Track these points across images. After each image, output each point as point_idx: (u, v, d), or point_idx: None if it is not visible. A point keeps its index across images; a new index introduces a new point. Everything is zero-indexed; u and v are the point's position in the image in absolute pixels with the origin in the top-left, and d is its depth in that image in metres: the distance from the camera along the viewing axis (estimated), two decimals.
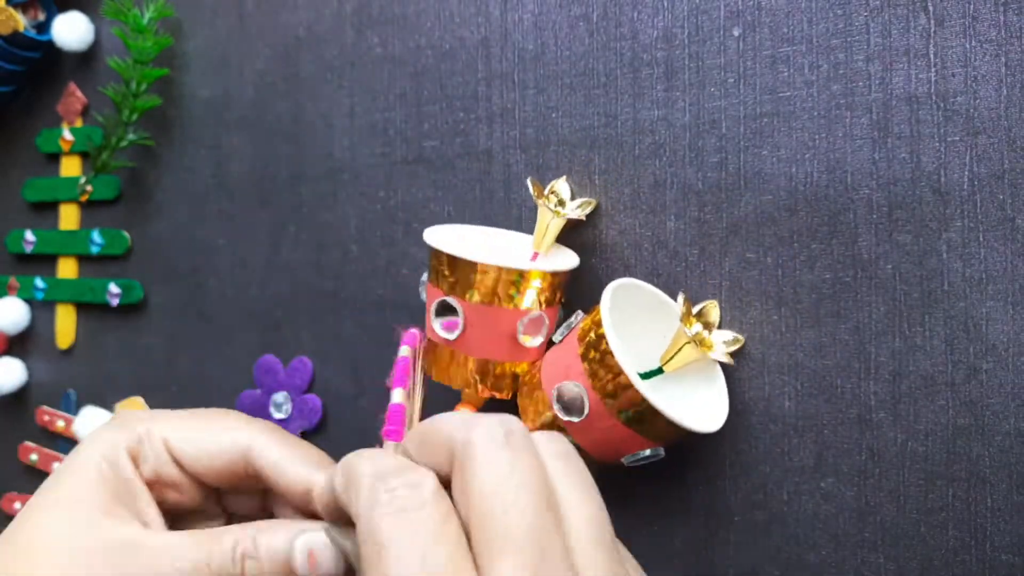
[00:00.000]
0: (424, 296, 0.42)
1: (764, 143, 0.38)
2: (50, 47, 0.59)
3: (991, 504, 0.34)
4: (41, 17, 0.60)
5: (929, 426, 0.35)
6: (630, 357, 0.38)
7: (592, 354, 0.36)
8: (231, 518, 0.37)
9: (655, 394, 0.35)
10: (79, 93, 0.60)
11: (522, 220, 0.44)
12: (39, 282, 0.61)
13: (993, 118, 0.34)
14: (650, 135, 0.41)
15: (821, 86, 0.37)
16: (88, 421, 0.57)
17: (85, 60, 0.60)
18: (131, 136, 0.56)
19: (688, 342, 0.36)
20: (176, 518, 0.34)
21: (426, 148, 0.47)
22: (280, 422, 0.51)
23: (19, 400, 0.63)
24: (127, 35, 0.54)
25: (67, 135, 0.60)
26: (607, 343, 0.35)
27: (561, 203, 0.42)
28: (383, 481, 0.26)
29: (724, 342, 0.38)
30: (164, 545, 0.31)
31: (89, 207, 0.60)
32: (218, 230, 0.55)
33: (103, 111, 0.58)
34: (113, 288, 0.58)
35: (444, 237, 0.41)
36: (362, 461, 0.27)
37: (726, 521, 0.39)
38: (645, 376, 0.38)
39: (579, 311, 0.40)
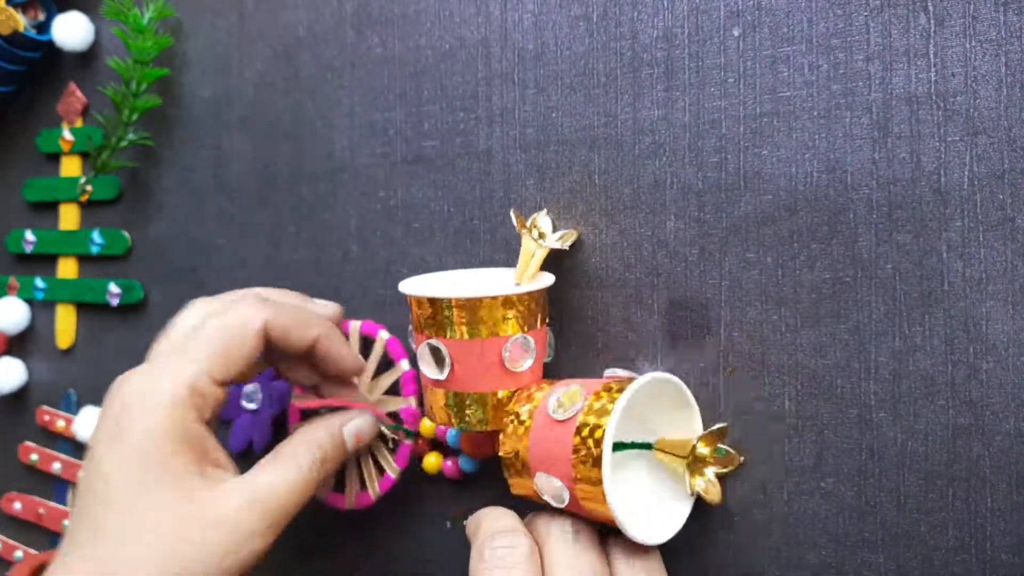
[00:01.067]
0: (414, 345, 0.42)
1: (764, 143, 0.38)
2: (50, 47, 0.59)
3: (991, 504, 0.34)
4: (41, 17, 0.60)
5: (929, 426, 0.35)
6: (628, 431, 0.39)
7: (585, 447, 0.36)
8: None
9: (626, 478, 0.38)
10: (79, 93, 0.60)
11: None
12: (39, 282, 0.61)
13: (993, 118, 0.34)
14: (650, 135, 0.41)
15: (821, 86, 0.37)
16: (88, 421, 0.57)
17: (85, 60, 0.60)
18: (131, 136, 0.56)
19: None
20: None
21: (426, 148, 0.47)
22: (253, 412, 0.51)
23: (19, 400, 0.63)
24: (127, 35, 0.54)
25: (67, 135, 0.60)
26: (604, 437, 0.35)
27: (542, 236, 0.42)
28: (491, 539, 0.36)
29: (711, 478, 0.39)
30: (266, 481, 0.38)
31: (89, 207, 0.60)
32: (218, 230, 0.55)
33: (103, 111, 0.58)
34: (113, 288, 0.58)
35: (420, 284, 0.42)
36: (484, 518, 0.38)
37: (726, 521, 0.39)
38: (630, 446, 0.38)
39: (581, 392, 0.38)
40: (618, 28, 0.42)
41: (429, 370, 0.40)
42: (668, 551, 0.41)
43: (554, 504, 0.37)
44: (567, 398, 0.37)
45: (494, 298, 0.38)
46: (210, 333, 0.40)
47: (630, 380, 0.37)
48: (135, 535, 0.35)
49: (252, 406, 0.51)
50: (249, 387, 0.52)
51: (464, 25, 0.46)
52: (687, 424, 0.39)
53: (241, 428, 0.52)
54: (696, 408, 0.39)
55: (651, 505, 0.39)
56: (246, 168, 0.54)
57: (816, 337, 0.37)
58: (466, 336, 0.38)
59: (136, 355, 0.58)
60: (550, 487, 0.37)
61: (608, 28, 0.42)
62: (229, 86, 0.54)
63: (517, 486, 0.40)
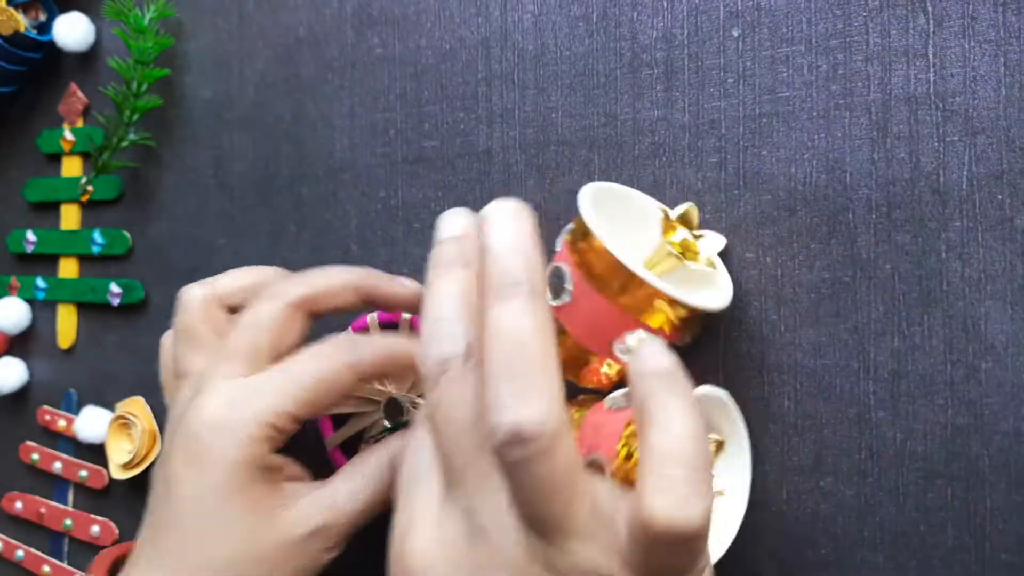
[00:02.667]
0: (559, 247, 0.39)
1: (763, 143, 0.38)
2: (51, 47, 0.60)
3: (990, 504, 0.34)
4: (42, 17, 0.60)
5: (928, 425, 0.35)
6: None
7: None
8: None
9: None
10: (80, 93, 0.60)
11: None
12: (40, 282, 0.61)
13: (992, 118, 0.34)
14: (650, 135, 0.41)
15: (820, 86, 0.37)
16: (89, 421, 0.57)
17: (86, 60, 0.60)
18: (132, 136, 0.56)
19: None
20: None
21: (426, 148, 0.47)
22: None
23: (20, 400, 0.63)
24: (128, 36, 0.54)
25: (68, 135, 0.60)
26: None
27: (679, 260, 0.38)
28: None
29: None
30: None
31: (90, 207, 0.60)
32: (219, 230, 0.55)
33: (104, 111, 0.58)
34: (114, 288, 0.58)
35: (598, 204, 0.37)
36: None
37: None
38: None
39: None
40: (618, 29, 0.42)
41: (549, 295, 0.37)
42: None
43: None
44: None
45: (651, 290, 0.34)
46: (302, 375, 0.39)
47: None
48: (208, 555, 0.37)
49: None
50: None
51: (464, 26, 0.46)
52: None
53: None
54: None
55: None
56: (247, 168, 0.54)
57: (815, 337, 0.37)
58: (604, 292, 0.35)
59: (137, 355, 0.58)
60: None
61: (608, 29, 0.42)
62: (230, 86, 0.55)
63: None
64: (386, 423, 0.46)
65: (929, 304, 0.35)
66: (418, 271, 0.47)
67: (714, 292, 0.37)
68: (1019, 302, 0.34)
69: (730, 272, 0.39)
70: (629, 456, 0.34)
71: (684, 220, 0.38)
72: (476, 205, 0.45)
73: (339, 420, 0.48)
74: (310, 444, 0.49)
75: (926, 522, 0.36)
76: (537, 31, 0.44)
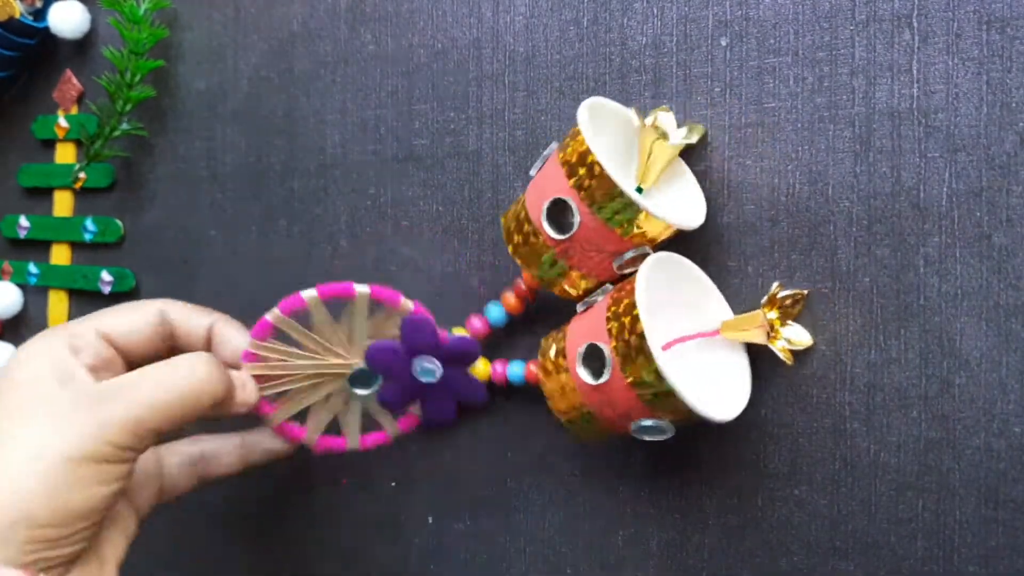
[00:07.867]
0: (535, 171, 0.39)
1: (748, 153, 0.39)
2: (46, 34, 0.60)
3: (959, 516, 0.35)
4: (38, 4, 0.60)
5: (901, 438, 0.36)
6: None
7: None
8: None
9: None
10: (75, 80, 0.60)
11: None
12: (32, 267, 0.62)
13: (973, 136, 0.35)
14: None
15: (805, 98, 0.38)
16: None
17: (81, 48, 0.60)
18: (124, 126, 0.56)
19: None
20: None
21: (416, 147, 0.48)
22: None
23: None
24: (123, 25, 0.54)
25: (62, 122, 0.60)
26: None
27: (664, 136, 0.38)
28: None
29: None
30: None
31: (83, 194, 0.61)
32: (210, 221, 0.55)
33: (98, 100, 0.59)
34: (105, 276, 0.58)
35: (601, 126, 0.38)
36: None
37: (701, 525, 0.40)
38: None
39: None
40: (608, 34, 0.42)
41: (549, 227, 0.38)
42: (643, 552, 0.41)
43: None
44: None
45: (645, 212, 0.35)
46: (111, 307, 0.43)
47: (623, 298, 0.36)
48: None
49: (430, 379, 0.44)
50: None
51: (456, 26, 0.46)
52: (704, 299, 0.39)
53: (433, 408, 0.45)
54: (707, 279, 0.39)
55: (714, 386, 0.38)
56: (239, 161, 0.54)
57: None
58: (604, 219, 0.36)
59: None
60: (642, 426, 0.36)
61: (598, 34, 0.42)
62: (223, 79, 0.55)
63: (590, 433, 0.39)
64: (358, 391, 0.44)
65: (906, 318, 0.36)
66: (405, 268, 0.48)
67: (691, 212, 0.38)
68: (994, 319, 0.34)
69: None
70: (621, 329, 0.35)
71: (656, 124, 0.39)
72: (464, 205, 0.46)
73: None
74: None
75: (896, 533, 0.36)
76: (528, 33, 0.44)
